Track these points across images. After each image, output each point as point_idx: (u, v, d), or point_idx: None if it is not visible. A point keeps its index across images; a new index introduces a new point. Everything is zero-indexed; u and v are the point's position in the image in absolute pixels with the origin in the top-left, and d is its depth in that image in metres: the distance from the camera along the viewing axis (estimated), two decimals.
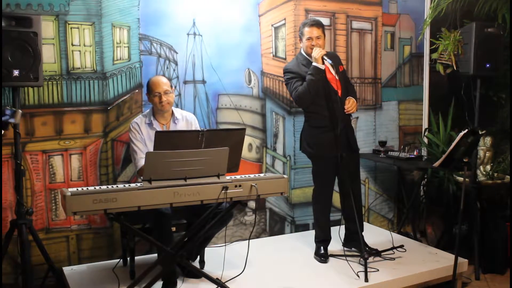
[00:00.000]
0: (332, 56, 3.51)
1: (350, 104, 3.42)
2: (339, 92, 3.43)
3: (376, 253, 3.51)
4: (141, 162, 3.13)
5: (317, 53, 3.34)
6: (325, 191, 3.59)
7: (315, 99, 3.40)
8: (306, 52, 3.47)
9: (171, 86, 3.28)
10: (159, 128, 3.24)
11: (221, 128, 3.87)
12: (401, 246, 3.55)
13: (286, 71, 3.50)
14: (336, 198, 3.84)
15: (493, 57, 3.81)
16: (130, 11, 3.53)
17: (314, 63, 3.34)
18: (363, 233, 3.47)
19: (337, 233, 3.68)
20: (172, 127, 3.28)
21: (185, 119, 3.35)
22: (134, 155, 3.21)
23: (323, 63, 3.35)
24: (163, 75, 3.58)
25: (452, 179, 4.27)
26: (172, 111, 3.31)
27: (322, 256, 3.56)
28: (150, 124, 3.24)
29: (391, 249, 3.54)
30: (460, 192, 3.46)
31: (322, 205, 3.62)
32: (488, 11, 4.02)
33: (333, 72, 3.41)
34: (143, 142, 3.20)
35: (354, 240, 3.66)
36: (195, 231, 2.96)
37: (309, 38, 3.42)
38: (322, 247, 3.61)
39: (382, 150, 4.20)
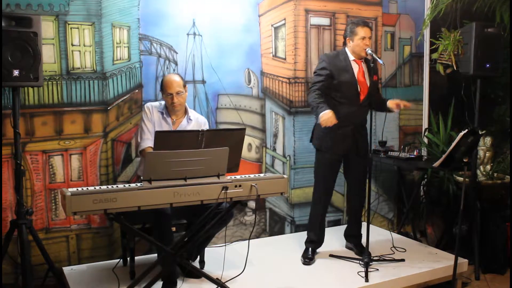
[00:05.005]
0: (374, 64, 3.45)
1: (402, 102, 3.46)
2: (361, 96, 3.44)
3: (378, 260, 3.50)
4: (146, 142, 3.16)
5: (326, 121, 3.19)
6: (322, 188, 3.58)
7: (336, 96, 3.43)
8: (356, 51, 3.44)
9: (184, 85, 3.27)
10: (169, 120, 3.26)
11: (221, 128, 3.88)
12: (402, 260, 3.53)
13: (321, 59, 3.50)
14: (338, 199, 3.86)
15: (493, 57, 3.81)
16: (130, 11, 3.53)
17: (320, 118, 3.20)
18: (364, 236, 3.47)
19: (337, 233, 3.69)
20: (183, 125, 3.28)
21: (197, 121, 3.35)
22: (141, 134, 3.23)
23: (373, 62, 3.35)
24: (178, 73, 3.49)
25: (452, 179, 4.27)
26: (187, 110, 3.32)
27: (307, 258, 3.55)
28: (162, 113, 3.26)
29: (392, 260, 3.53)
30: (460, 192, 3.46)
31: (317, 203, 3.61)
32: (488, 10, 4.01)
33: (366, 77, 3.43)
34: (153, 123, 3.22)
35: (352, 236, 3.77)
36: (195, 231, 2.96)
37: (364, 38, 3.42)
38: (310, 249, 3.61)
39: (382, 150, 4.18)
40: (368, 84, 3.43)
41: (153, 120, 3.24)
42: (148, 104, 3.29)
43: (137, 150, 3.52)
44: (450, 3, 4.08)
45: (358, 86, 3.43)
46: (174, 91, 3.19)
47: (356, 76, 3.43)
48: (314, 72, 3.50)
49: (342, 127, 3.41)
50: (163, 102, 3.31)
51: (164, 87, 3.22)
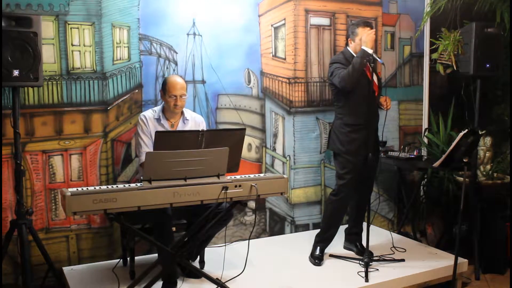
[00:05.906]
0: (374, 64, 3.47)
1: (388, 102, 3.50)
2: (376, 92, 3.46)
3: (378, 259, 3.50)
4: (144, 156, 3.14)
5: (369, 38, 3.30)
6: (350, 192, 3.56)
7: (354, 98, 3.42)
8: (358, 51, 3.44)
9: (186, 89, 3.27)
10: (167, 125, 3.25)
11: (221, 128, 3.88)
12: (402, 260, 3.53)
13: (332, 62, 3.51)
14: None
15: (493, 57, 3.81)
16: (130, 11, 3.53)
17: (363, 47, 3.30)
18: (364, 236, 3.47)
19: (337, 233, 3.68)
20: (180, 127, 3.27)
21: (194, 120, 3.35)
22: (139, 148, 3.23)
23: (373, 62, 3.36)
24: (181, 76, 3.49)
25: (452, 179, 4.27)
26: (182, 111, 3.31)
27: (317, 258, 3.53)
28: (158, 120, 3.24)
29: (392, 260, 3.53)
30: (460, 192, 3.47)
31: (342, 204, 3.58)
32: (488, 9, 4.01)
33: (373, 75, 3.44)
34: (149, 136, 3.20)
35: (354, 234, 3.77)
36: (195, 231, 2.96)
37: None
38: (319, 248, 3.59)
39: (382, 150, 4.18)
40: (377, 82, 3.44)
41: (149, 131, 3.21)
42: (142, 116, 3.26)
43: (136, 151, 3.51)
44: (449, 1, 4.08)
45: (372, 85, 3.41)
46: (178, 93, 3.17)
47: (368, 75, 3.41)
48: (332, 72, 3.46)
49: (364, 128, 3.43)
50: (157, 108, 3.29)
51: (168, 88, 3.19)
